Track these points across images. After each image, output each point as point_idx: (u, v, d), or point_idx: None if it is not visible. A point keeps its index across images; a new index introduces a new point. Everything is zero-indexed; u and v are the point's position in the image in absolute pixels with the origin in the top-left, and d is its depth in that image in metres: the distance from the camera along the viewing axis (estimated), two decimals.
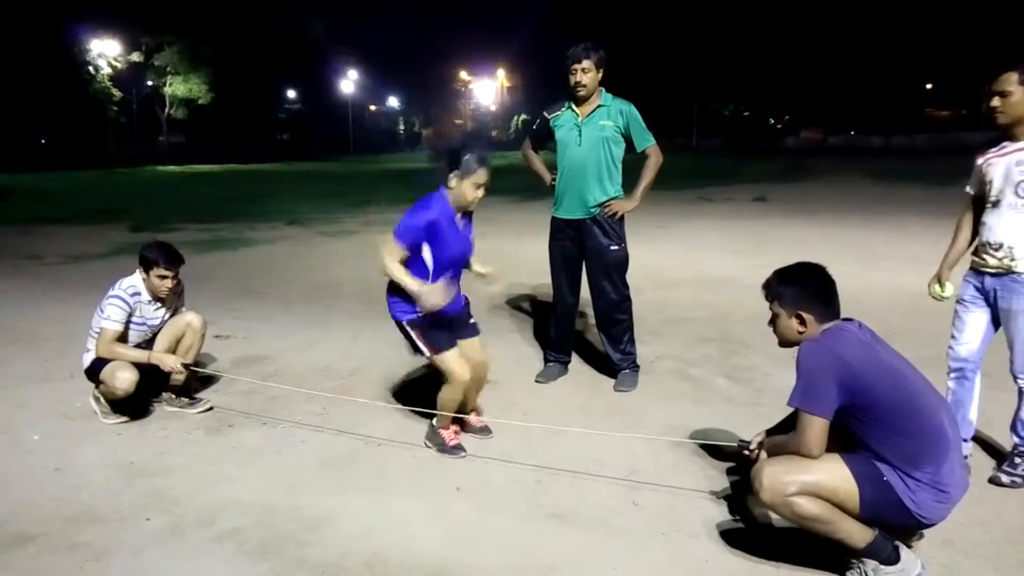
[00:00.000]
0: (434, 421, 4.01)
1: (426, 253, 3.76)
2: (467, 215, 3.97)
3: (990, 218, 3.58)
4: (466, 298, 4.11)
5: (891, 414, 2.57)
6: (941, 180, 19.58)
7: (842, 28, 48.22)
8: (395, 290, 3.80)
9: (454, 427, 4.02)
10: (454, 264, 3.89)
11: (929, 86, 57.03)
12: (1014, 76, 3.46)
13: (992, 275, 3.54)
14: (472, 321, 4.12)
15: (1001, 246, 3.50)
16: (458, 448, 3.92)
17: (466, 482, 3.61)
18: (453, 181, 3.76)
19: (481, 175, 3.76)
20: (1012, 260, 3.47)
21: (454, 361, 3.82)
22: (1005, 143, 3.53)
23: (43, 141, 48.80)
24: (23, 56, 42.52)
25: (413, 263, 3.76)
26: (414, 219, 3.72)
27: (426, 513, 3.33)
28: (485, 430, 4.16)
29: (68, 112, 46.89)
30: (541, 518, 3.28)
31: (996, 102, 3.49)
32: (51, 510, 3.37)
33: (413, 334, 3.83)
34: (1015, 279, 3.49)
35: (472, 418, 4.17)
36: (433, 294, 3.69)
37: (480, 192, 3.81)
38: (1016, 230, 3.46)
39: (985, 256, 3.61)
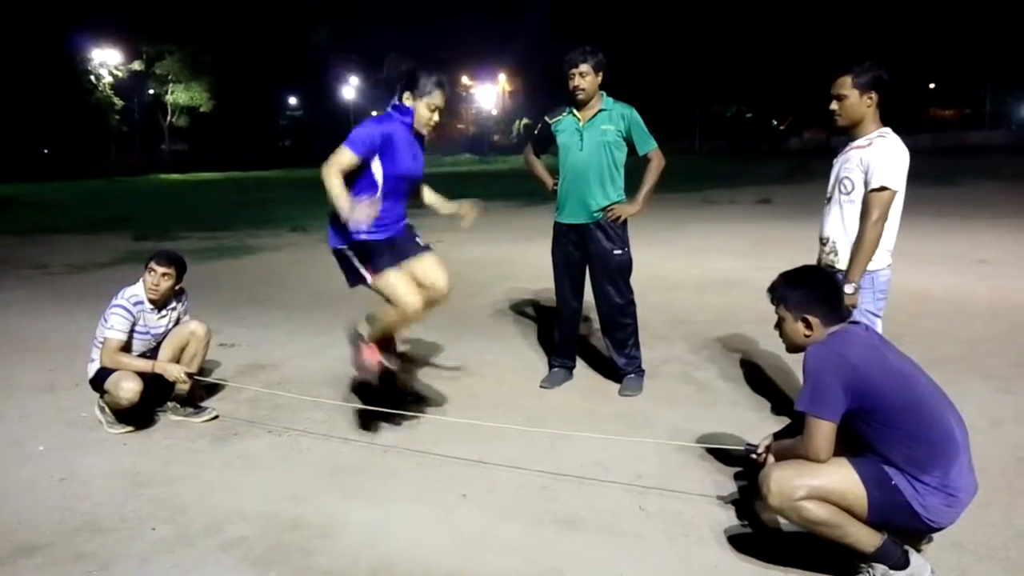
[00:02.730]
0: (360, 328, 3.83)
1: (376, 167, 3.67)
2: (419, 139, 3.88)
3: (824, 214, 3.78)
4: (409, 224, 3.97)
5: (899, 417, 2.56)
6: (945, 179, 19.57)
7: (845, 28, 48.21)
8: (335, 220, 3.68)
9: (375, 348, 3.86)
10: (403, 180, 3.79)
11: (932, 85, 57.06)
12: (848, 79, 3.55)
13: None
14: (419, 240, 3.96)
15: (827, 240, 3.72)
16: (375, 368, 3.81)
17: (472, 488, 3.60)
18: (408, 100, 3.71)
19: (436, 96, 3.71)
20: (835, 255, 3.65)
21: (399, 281, 3.65)
22: (848, 144, 3.68)
23: (46, 151, 48.93)
24: (25, 66, 42.68)
25: (362, 178, 3.67)
26: (371, 128, 3.65)
27: (432, 520, 3.32)
28: (400, 357, 3.99)
29: (70, 121, 47.03)
30: (548, 524, 3.27)
31: (834, 105, 3.62)
32: (57, 520, 3.37)
33: (353, 259, 3.68)
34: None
35: (394, 344, 4.01)
36: (360, 208, 3.51)
37: (435, 116, 3.75)
38: (838, 225, 3.65)
39: (819, 252, 3.82)
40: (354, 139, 3.62)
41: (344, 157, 3.60)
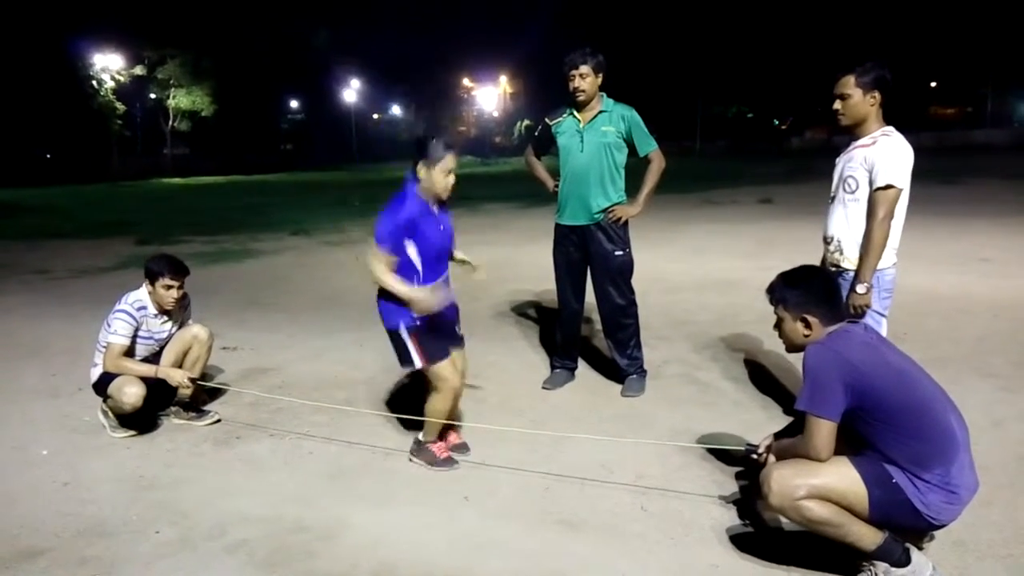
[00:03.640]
0: (421, 436, 3.92)
1: (411, 251, 3.66)
2: (442, 206, 3.86)
3: (827, 213, 3.79)
4: (455, 305, 4.02)
5: (899, 416, 2.56)
6: (947, 178, 19.56)
7: (845, 27, 48.19)
8: (387, 297, 3.70)
9: (442, 441, 3.94)
10: (440, 256, 3.81)
11: (934, 84, 57.02)
12: (851, 79, 3.57)
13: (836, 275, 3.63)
14: (458, 328, 4.06)
15: (832, 239, 3.73)
16: (450, 461, 3.87)
17: (474, 491, 3.61)
18: (422, 171, 3.68)
19: (449, 161, 3.68)
20: (840, 254, 3.66)
21: (448, 369, 3.75)
22: (852, 143, 3.69)
23: (48, 156, 49.05)
24: (27, 72, 42.81)
25: (401, 264, 3.67)
26: (392, 220, 3.63)
27: (434, 523, 3.33)
28: (463, 447, 4.07)
29: (72, 127, 47.15)
30: (550, 525, 3.28)
31: (837, 105, 3.64)
32: (60, 524, 3.38)
33: (409, 342, 3.71)
34: (844, 278, 3.60)
35: (453, 436, 4.09)
36: (427, 298, 3.61)
37: (451, 179, 3.72)
38: (842, 223, 3.67)
39: (824, 251, 3.83)
40: (381, 236, 3.62)
41: (382, 260, 3.62)
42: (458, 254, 4.05)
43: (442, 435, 3.98)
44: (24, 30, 42.38)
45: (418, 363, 3.71)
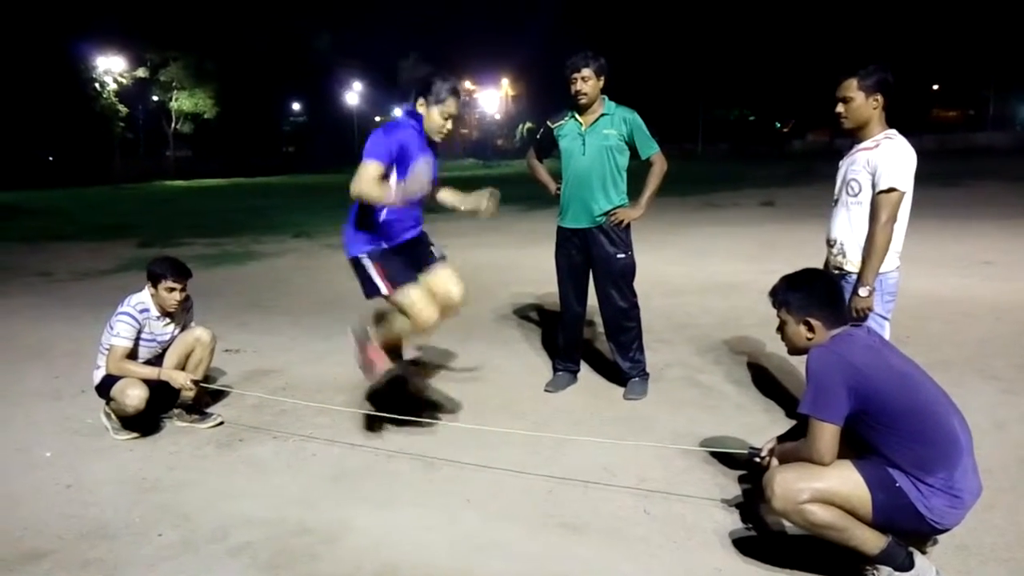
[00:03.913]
0: (369, 327, 3.75)
1: (392, 178, 3.57)
2: (432, 145, 3.80)
3: (831, 216, 3.80)
4: (424, 231, 3.91)
5: (902, 419, 2.56)
6: (949, 181, 19.54)
7: (847, 30, 48.19)
8: (356, 226, 3.63)
9: (381, 353, 3.79)
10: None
11: (936, 87, 56.97)
12: (854, 82, 3.58)
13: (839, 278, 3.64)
14: (434, 248, 3.89)
15: (835, 242, 3.73)
16: (374, 372, 3.75)
17: (476, 493, 3.61)
18: (422, 107, 3.65)
19: (450, 104, 3.65)
20: (843, 257, 3.66)
21: (416, 297, 3.57)
22: (854, 146, 3.70)
23: (51, 158, 49.08)
24: (30, 74, 42.88)
25: None
26: (386, 137, 3.56)
27: (437, 525, 3.33)
28: (415, 364, 3.95)
29: (75, 129, 47.20)
30: (552, 528, 3.28)
31: (840, 108, 3.65)
32: (63, 526, 3.39)
33: (371, 269, 3.59)
34: (847, 281, 3.60)
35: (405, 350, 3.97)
36: (414, 180, 3.44)
37: (448, 124, 3.68)
38: (845, 226, 3.67)
39: (827, 254, 3.83)
40: (374, 150, 3.52)
41: (372, 171, 3.48)
42: (454, 202, 3.91)
43: (387, 347, 3.83)
44: (27, 32, 42.46)
45: (383, 290, 3.58)
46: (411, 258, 3.73)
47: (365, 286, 3.66)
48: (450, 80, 3.67)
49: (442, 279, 3.80)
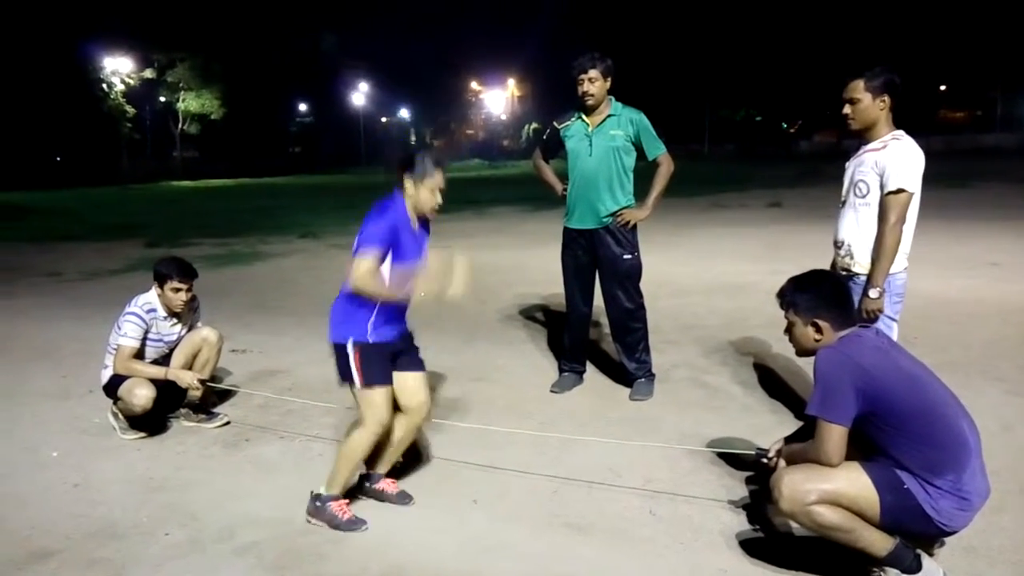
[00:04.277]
0: (322, 489, 3.40)
1: (385, 263, 3.39)
2: (424, 224, 3.62)
3: (838, 217, 3.79)
4: (410, 330, 3.71)
5: (911, 421, 2.55)
6: (957, 182, 19.47)
7: (854, 31, 48.08)
8: (344, 307, 3.50)
9: (344, 500, 3.44)
10: (409, 274, 3.45)
11: (943, 88, 56.79)
12: (861, 83, 3.57)
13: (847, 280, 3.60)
14: (418, 353, 3.66)
15: (843, 243, 3.72)
16: (355, 522, 3.34)
17: (483, 493, 3.61)
18: (409, 186, 3.44)
19: (438, 178, 3.43)
20: (851, 259, 3.65)
21: (381, 401, 3.35)
22: (862, 147, 3.69)
23: (59, 159, 49.27)
24: (38, 75, 43.07)
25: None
26: (380, 223, 3.37)
27: (443, 525, 3.33)
28: (404, 496, 3.58)
29: (83, 129, 47.41)
30: (558, 528, 3.28)
31: (847, 109, 3.64)
32: (71, 526, 3.40)
33: (353, 357, 3.39)
34: (855, 282, 3.59)
35: (387, 483, 3.62)
36: (405, 284, 3.32)
37: (438, 198, 3.46)
38: (853, 228, 3.66)
39: (834, 255, 3.83)
40: (370, 238, 3.33)
41: (370, 264, 3.31)
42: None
43: (361, 484, 3.60)
44: (35, 34, 42.65)
45: (357, 383, 3.38)
46: (393, 359, 3.52)
47: (341, 372, 3.47)
48: (429, 152, 3.48)
49: (414, 385, 3.59)
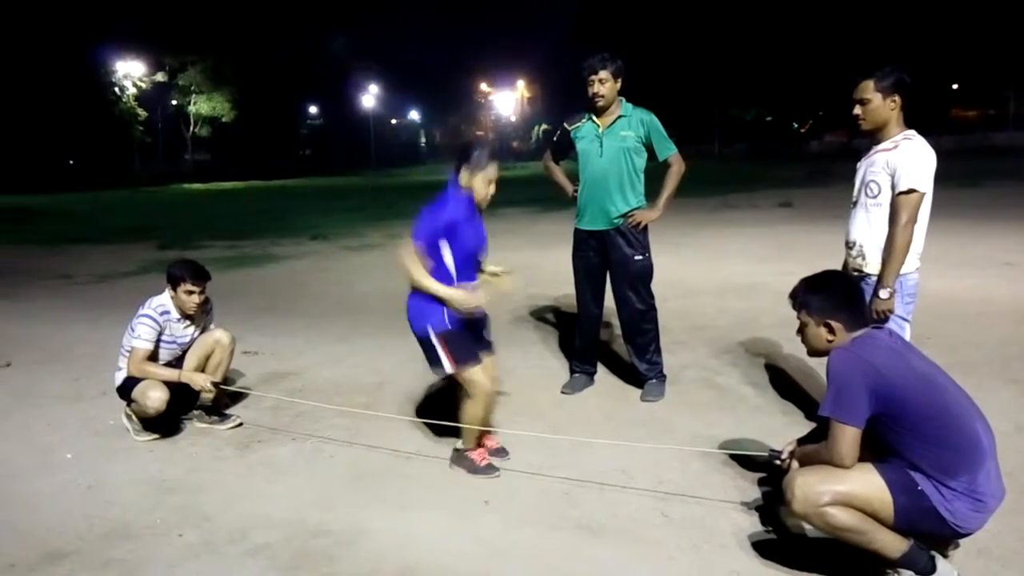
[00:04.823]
0: (459, 444, 3.90)
1: (445, 252, 3.68)
2: (478, 211, 3.88)
3: (849, 218, 3.79)
4: (486, 313, 4.01)
5: (925, 423, 2.54)
6: (969, 181, 19.36)
7: (865, 30, 47.87)
8: (419, 299, 3.71)
9: (480, 448, 3.92)
10: (472, 258, 3.83)
11: (955, 86, 56.46)
12: (871, 83, 3.56)
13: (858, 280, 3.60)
14: (488, 334, 4.04)
15: (854, 244, 3.72)
16: (490, 468, 3.83)
17: (494, 495, 3.61)
18: (465, 178, 3.73)
19: (491, 170, 3.73)
20: (863, 259, 3.65)
21: (479, 374, 3.72)
22: (873, 147, 3.67)
23: (71, 162, 49.60)
24: (51, 79, 43.39)
25: (434, 266, 3.68)
26: (435, 219, 3.67)
27: (455, 526, 3.33)
28: (502, 451, 4.03)
29: (95, 133, 47.76)
30: (570, 530, 3.27)
31: (857, 110, 3.63)
32: (85, 527, 3.42)
33: (438, 346, 3.70)
34: (866, 283, 3.57)
35: (489, 441, 4.04)
36: (468, 297, 3.65)
37: (492, 188, 3.77)
38: (864, 228, 3.66)
39: (846, 256, 3.82)
40: (420, 232, 3.65)
41: (416, 251, 3.64)
42: (488, 267, 4.04)
43: (479, 441, 3.94)
44: (47, 38, 42.97)
45: (448, 368, 3.70)
46: (475, 342, 3.83)
47: (430, 360, 3.77)
48: (485, 146, 3.82)
49: (489, 364, 3.91)
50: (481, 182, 3.73)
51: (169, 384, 4.34)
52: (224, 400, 4.79)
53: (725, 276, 8.94)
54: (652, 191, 4.79)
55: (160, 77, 51.59)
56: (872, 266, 3.59)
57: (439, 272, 3.70)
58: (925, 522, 2.55)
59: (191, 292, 4.38)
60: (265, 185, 43.21)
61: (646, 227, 4.80)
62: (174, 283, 4.40)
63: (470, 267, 3.83)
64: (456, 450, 3.92)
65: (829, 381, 2.64)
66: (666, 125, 4.78)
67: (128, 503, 3.64)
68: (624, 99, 4.73)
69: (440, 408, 4.74)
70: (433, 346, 3.72)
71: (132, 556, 3.16)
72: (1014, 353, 5.44)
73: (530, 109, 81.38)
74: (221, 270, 9.82)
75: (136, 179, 48.01)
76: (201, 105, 54.54)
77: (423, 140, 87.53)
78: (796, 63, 51.99)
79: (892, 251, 3.47)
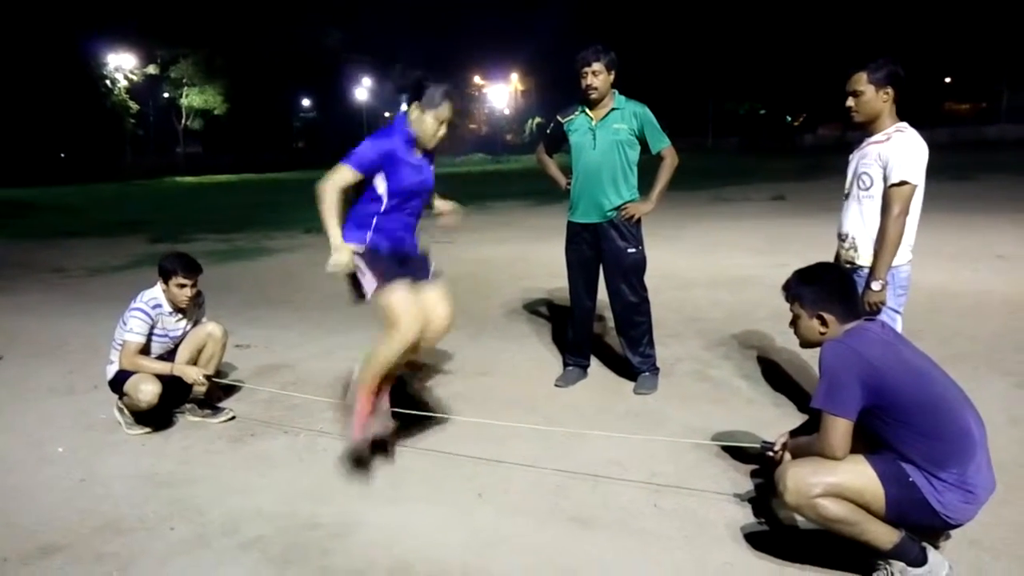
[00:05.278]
0: (353, 380, 3.58)
1: (379, 182, 3.56)
2: (428, 154, 3.72)
3: (842, 210, 3.79)
4: (424, 250, 3.82)
5: (916, 414, 2.55)
6: (962, 175, 19.42)
7: (858, 23, 47.92)
8: (351, 218, 3.62)
9: (372, 399, 3.59)
10: (408, 197, 3.65)
11: (948, 80, 56.57)
12: (864, 76, 3.57)
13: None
14: (432, 268, 3.78)
15: (846, 236, 3.72)
16: (361, 444, 3.54)
17: (488, 487, 3.61)
18: (415, 113, 3.56)
19: (444, 109, 3.55)
20: (855, 251, 3.65)
21: (402, 302, 3.42)
22: (865, 139, 3.68)
23: (63, 155, 49.38)
24: (42, 72, 43.16)
25: (366, 192, 3.59)
26: (370, 147, 3.53)
27: (448, 519, 3.33)
28: (387, 417, 3.72)
29: (87, 126, 47.57)
30: (563, 522, 3.28)
31: (850, 102, 3.64)
32: (77, 521, 3.41)
33: (360, 262, 3.50)
34: (859, 275, 3.58)
35: (384, 393, 3.71)
36: (341, 252, 3.49)
37: (442, 130, 3.59)
38: (857, 220, 3.66)
39: (838, 248, 3.82)
40: (353, 157, 3.52)
41: (342, 175, 3.52)
42: (436, 202, 3.91)
43: (377, 386, 3.65)
44: (39, 30, 42.73)
45: (370, 285, 3.47)
46: (406, 268, 3.64)
47: (353, 286, 3.57)
48: (444, 83, 3.59)
49: (433, 297, 3.68)
50: (431, 120, 3.56)
51: (161, 377, 4.32)
52: (217, 393, 4.78)
53: (718, 269, 8.95)
54: (645, 184, 4.78)
55: (152, 69, 51.37)
56: (864, 258, 3.60)
57: (368, 196, 3.61)
58: (916, 513, 2.56)
59: (183, 285, 4.37)
60: (258, 178, 43.08)
61: (639, 220, 4.80)
62: (166, 276, 4.38)
63: (408, 206, 3.65)
64: (350, 393, 3.64)
65: (821, 373, 2.65)
66: (659, 118, 4.78)
67: (120, 497, 3.63)
68: (617, 92, 4.73)
69: (434, 400, 4.75)
70: (357, 267, 3.54)
71: (124, 550, 3.15)
72: (1007, 345, 5.46)
73: (524, 102, 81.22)
74: (213, 263, 9.80)
75: (128, 172, 47.81)
76: (193, 98, 54.33)
77: None
78: (790, 56, 52.04)
79: (884, 243, 3.48)
